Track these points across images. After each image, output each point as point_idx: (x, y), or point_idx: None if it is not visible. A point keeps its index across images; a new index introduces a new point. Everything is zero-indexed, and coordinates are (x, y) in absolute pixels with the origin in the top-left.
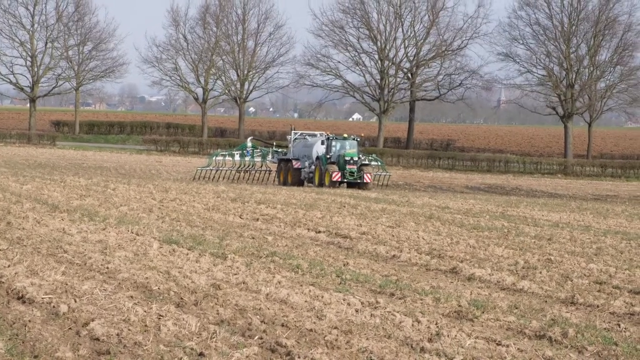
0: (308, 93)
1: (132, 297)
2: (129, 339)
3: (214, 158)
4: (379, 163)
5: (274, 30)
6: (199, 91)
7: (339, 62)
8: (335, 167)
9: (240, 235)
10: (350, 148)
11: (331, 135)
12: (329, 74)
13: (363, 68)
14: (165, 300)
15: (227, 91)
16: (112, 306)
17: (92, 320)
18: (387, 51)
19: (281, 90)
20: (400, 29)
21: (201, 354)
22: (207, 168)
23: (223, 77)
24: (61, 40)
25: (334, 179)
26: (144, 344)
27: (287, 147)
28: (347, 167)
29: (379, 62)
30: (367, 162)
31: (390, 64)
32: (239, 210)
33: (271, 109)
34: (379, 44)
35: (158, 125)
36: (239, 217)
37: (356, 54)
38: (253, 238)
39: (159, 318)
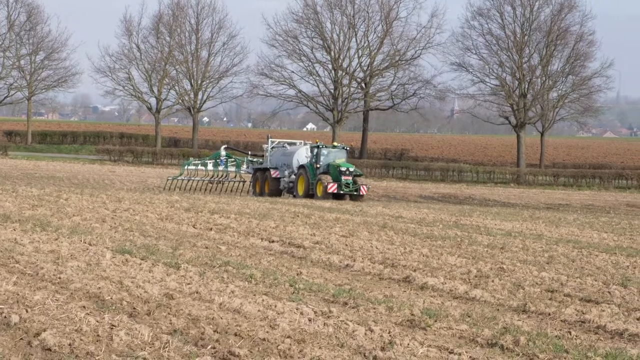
0: (262, 103)
1: (84, 307)
2: (81, 349)
3: (185, 167)
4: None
5: (227, 40)
6: (153, 101)
7: (293, 71)
8: (329, 178)
9: (193, 245)
10: (339, 157)
11: (320, 144)
12: (282, 84)
13: (317, 78)
14: (117, 310)
15: (180, 101)
16: (64, 316)
17: (44, 330)
18: (340, 61)
19: (235, 100)
20: (353, 39)
21: None
22: (179, 178)
23: (176, 87)
24: (13, 50)
25: (330, 190)
26: (96, 354)
27: (262, 156)
28: (343, 178)
29: (333, 71)
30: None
31: (344, 73)
32: (193, 220)
33: (225, 119)
34: (332, 53)
35: (111, 135)
36: (192, 227)
37: (310, 63)
38: (206, 248)
39: (112, 328)
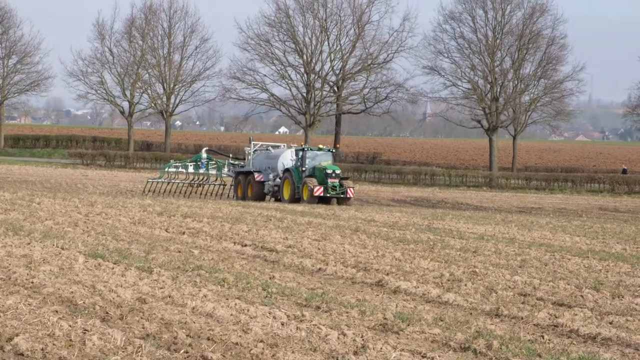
0: (234, 106)
1: (57, 311)
2: (53, 354)
3: (166, 169)
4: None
5: (200, 44)
6: (125, 105)
7: (265, 75)
8: (315, 181)
9: (166, 249)
10: (325, 160)
11: (305, 146)
12: (255, 88)
13: (289, 81)
14: (90, 314)
15: (153, 105)
16: (37, 321)
17: (17, 335)
18: (313, 64)
19: (207, 103)
20: (326, 43)
21: None
22: (159, 180)
23: (149, 91)
24: None
25: (316, 194)
26: (68, 359)
27: (244, 159)
28: (329, 180)
29: (305, 75)
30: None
31: (316, 77)
32: (165, 224)
33: (198, 123)
34: (304, 57)
35: (84, 139)
36: (165, 231)
37: (282, 67)
38: (179, 252)
39: (84, 332)
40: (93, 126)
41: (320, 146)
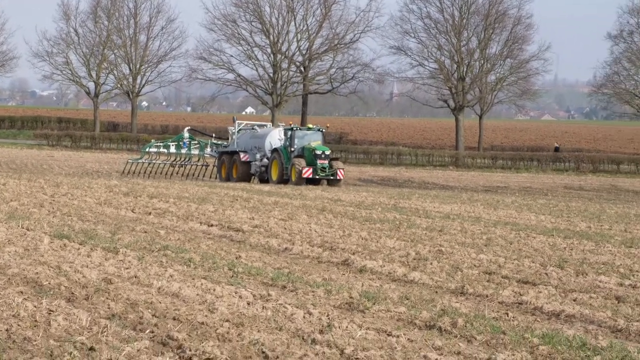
0: (201, 87)
1: (22, 292)
2: (18, 335)
3: (146, 149)
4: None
5: (165, 24)
6: (91, 85)
7: (232, 55)
8: (303, 162)
9: (132, 230)
10: (314, 140)
11: (295, 126)
12: (221, 68)
13: (256, 62)
14: (55, 295)
15: (119, 85)
16: (2, 302)
17: None
18: (279, 45)
19: (174, 84)
20: (292, 23)
21: (92, 349)
22: (139, 160)
23: (115, 71)
24: None
25: (305, 175)
26: (33, 339)
27: (227, 139)
28: (319, 162)
29: (272, 55)
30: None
31: (282, 57)
32: (131, 205)
33: (164, 103)
34: (271, 37)
35: (49, 120)
36: (131, 211)
37: (249, 47)
38: (145, 232)
39: (49, 313)
40: (59, 107)
41: (310, 125)
